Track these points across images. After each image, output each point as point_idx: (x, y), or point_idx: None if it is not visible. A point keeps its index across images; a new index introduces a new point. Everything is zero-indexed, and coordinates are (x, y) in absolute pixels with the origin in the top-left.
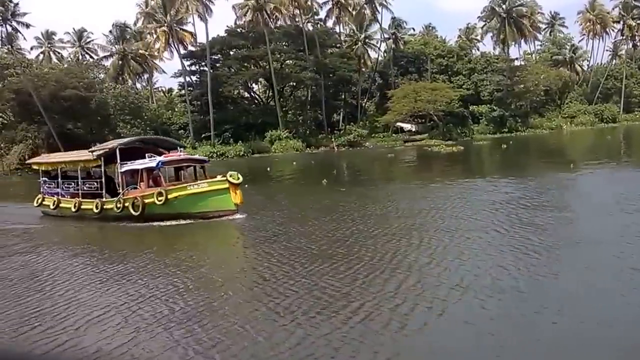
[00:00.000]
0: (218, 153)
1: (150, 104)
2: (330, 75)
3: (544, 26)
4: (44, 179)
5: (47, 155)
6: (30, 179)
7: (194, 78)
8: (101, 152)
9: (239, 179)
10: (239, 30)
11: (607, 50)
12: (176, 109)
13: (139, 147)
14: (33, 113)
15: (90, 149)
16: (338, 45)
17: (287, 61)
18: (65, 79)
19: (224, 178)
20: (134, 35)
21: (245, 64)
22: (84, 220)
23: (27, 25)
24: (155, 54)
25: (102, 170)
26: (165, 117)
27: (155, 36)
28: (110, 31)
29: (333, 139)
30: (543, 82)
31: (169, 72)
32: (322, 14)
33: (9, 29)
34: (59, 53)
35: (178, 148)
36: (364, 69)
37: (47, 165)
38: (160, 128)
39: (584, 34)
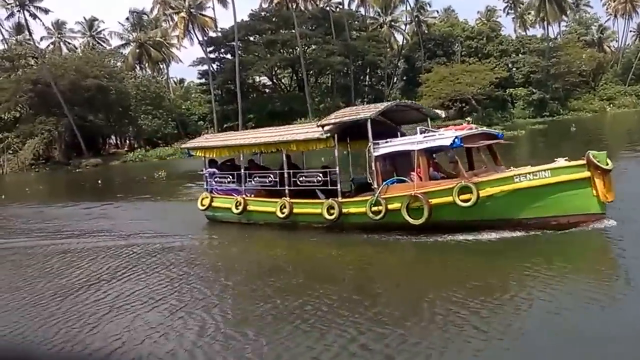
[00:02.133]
0: None
1: (169, 94)
2: (359, 59)
3: None
4: (210, 170)
5: (214, 136)
6: (48, 175)
7: (214, 65)
8: (334, 125)
9: (608, 163)
10: (263, 14)
11: (631, 31)
12: (194, 99)
13: (381, 120)
14: (51, 104)
15: (317, 123)
16: (364, 28)
17: (313, 46)
18: (85, 67)
19: (582, 162)
20: (150, 23)
21: (271, 50)
22: (299, 231)
23: (46, 11)
24: (174, 41)
25: (335, 155)
26: (184, 108)
27: (173, 23)
28: (127, 18)
29: None
30: (585, 63)
31: (185, 62)
32: None
33: (27, 15)
34: (69, 43)
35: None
36: (389, 54)
37: (220, 150)
38: (179, 119)
39: (610, 14)
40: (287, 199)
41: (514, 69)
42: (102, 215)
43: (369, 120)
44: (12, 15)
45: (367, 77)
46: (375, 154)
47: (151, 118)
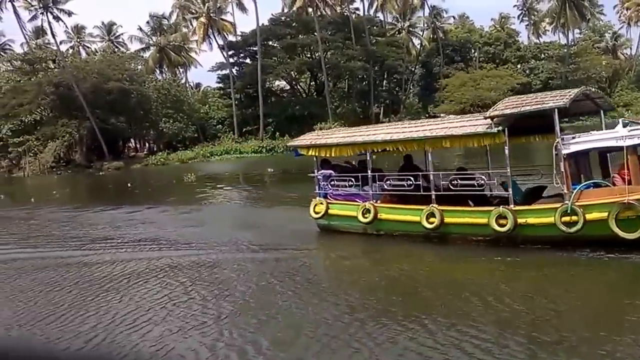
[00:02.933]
0: (267, 147)
1: (189, 97)
2: (379, 64)
3: None
4: (325, 172)
5: (329, 132)
6: (71, 178)
7: (234, 70)
8: (507, 117)
9: None
10: (283, 19)
11: None
12: (212, 103)
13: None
14: (72, 107)
15: (485, 115)
16: (382, 33)
17: (332, 50)
18: (107, 70)
19: None
20: (170, 27)
21: (291, 54)
22: (449, 245)
23: (69, 13)
24: (192, 45)
25: (507, 154)
26: (203, 112)
27: (193, 27)
28: (147, 22)
29: None
30: (604, 69)
31: (204, 66)
32: (364, 2)
33: (50, 17)
34: (88, 47)
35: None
36: (406, 59)
37: (340, 149)
38: (198, 123)
39: (624, 22)
40: (436, 205)
41: (532, 75)
42: (149, 221)
43: (556, 110)
44: (35, 17)
45: (385, 82)
46: (566, 151)
47: (172, 121)
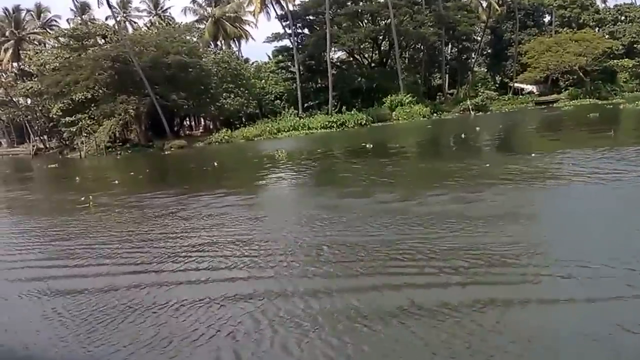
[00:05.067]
0: (338, 123)
1: (248, 71)
2: (452, 31)
3: None
4: None
5: None
6: (135, 158)
7: (291, 41)
8: None
9: None
10: None
11: None
12: (266, 78)
13: None
14: (129, 83)
15: None
16: None
17: (400, 17)
18: (165, 43)
19: None
20: None
21: (356, 22)
22: None
23: None
24: (246, 18)
25: None
26: (259, 87)
27: None
28: None
29: (468, 102)
30: None
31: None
32: None
33: None
34: (135, 22)
35: None
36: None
37: None
38: (256, 98)
39: None
40: None
41: (613, 39)
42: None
43: None
44: None
45: (455, 49)
46: None
47: (233, 97)
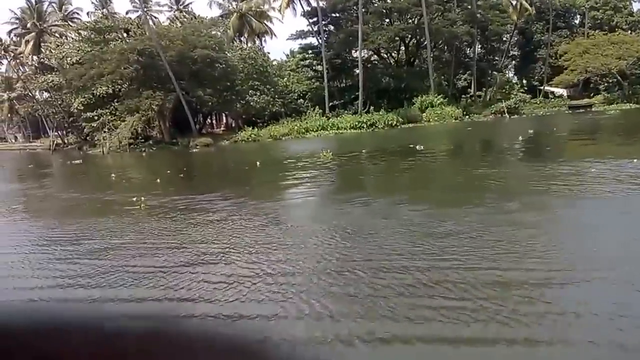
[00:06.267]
0: (368, 123)
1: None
2: (484, 31)
3: None
4: None
5: None
6: (162, 155)
7: (318, 40)
8: None
9: None
10: None
11: None
12: (292, 76)
13: None
14: (154, 78)
15: None
16: None
17: (431, 15)
18: (192, 37)
19: None
20: None
21: (385, 19)
22: None
23: None
24: (271, 14)
25: None
26: (282, 85)
27: None
28: None
29: (503, 104)
30: None
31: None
32: None
33: None
34: (155, 17)
35: None
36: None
37: None
38: (280, 96)
39: None
40: None
41: None
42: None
43: None
44: None
45: (483, 50)
46: None
47: (259, 94)
